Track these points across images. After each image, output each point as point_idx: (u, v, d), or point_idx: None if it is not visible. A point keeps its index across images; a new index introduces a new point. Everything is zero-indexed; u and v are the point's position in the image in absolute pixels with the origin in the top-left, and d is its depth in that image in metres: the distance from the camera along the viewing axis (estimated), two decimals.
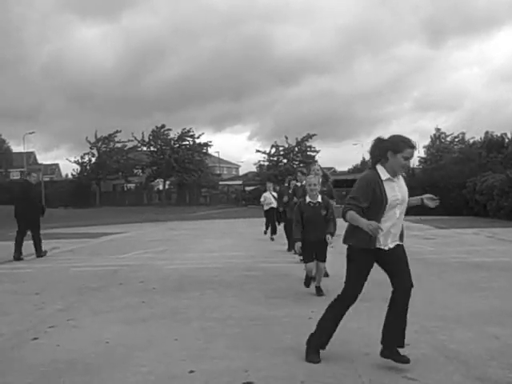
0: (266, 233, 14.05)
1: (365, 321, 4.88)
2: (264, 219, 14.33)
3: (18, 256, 10.62)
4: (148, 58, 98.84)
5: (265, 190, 14.53)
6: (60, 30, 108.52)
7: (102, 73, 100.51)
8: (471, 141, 56.45)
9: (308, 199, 6.09)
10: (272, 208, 13.59)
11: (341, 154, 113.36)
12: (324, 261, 6.17)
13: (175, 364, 3.86)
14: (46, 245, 12.02)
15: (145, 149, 53.01)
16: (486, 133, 46.56)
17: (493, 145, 27.29)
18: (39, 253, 11.02)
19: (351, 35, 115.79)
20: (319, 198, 6.08)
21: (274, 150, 52.47)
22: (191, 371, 3.69)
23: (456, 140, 61.21)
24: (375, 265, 3.69)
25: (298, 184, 8.84)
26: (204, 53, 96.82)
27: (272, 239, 13.44)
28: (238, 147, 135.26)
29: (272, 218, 13.74)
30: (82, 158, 52.67)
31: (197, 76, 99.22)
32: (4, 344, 4.55)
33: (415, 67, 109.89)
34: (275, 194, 13.45)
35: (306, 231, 6.06)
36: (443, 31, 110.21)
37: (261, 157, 53.17)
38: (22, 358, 4.11)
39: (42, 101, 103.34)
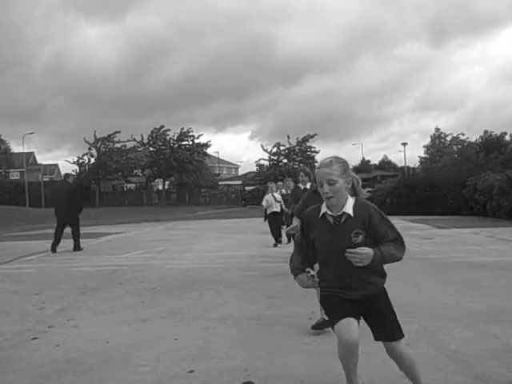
0: (276, 245, 12.00)
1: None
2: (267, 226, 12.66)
3: (55, 248, 11.80)
4: (151, 58, 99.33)
5: (264, 192, 13.49)
6: (63, 29, 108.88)
7: (105, 72, 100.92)
8: (467, 140, 56.63)
9: (324, 209, 2.91)
10: (275, 212, 12.43)
11: (342, 154, 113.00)
12: (396, 338, 2.98)
13: (175, 364, 3.85)
14: (46, 244, 12.06)
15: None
16: (485, 132, 46.74)
17: (490, 145, 27.35)
18: (78, 248, 12.00)
19: (354, 35, 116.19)
20: (348, 208, 2.85)
21: (275, 149, 52.48)
22: (191, 371, 3.69)
23: (453, 139, 61.29)
24: None
25: (300, 186, 7.04)
26: (207, 53, 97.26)
27: (277, 244, 12.07)
28: (238, 147, 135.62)
29: (275, 224, 12.42)
30: (80, 158, 52.66)
31: (199, 76, 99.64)
32: (4, 344, 4.54)
33: (417, 67, 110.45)
34: (278, 196, 12.63)
35: (323, 273, 2.98)
36: (446, 31, 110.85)
37: (262, 156, 53.22)
38: (21, 358, 4.10)
39: (43, 101, 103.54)
